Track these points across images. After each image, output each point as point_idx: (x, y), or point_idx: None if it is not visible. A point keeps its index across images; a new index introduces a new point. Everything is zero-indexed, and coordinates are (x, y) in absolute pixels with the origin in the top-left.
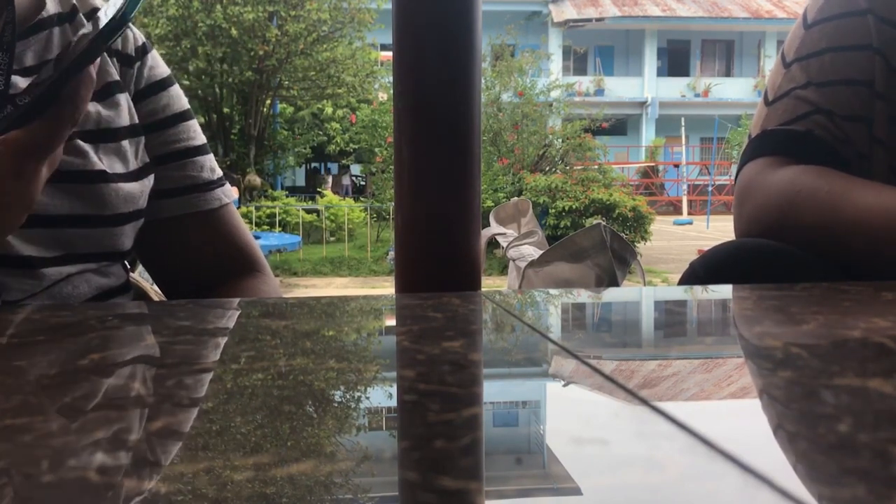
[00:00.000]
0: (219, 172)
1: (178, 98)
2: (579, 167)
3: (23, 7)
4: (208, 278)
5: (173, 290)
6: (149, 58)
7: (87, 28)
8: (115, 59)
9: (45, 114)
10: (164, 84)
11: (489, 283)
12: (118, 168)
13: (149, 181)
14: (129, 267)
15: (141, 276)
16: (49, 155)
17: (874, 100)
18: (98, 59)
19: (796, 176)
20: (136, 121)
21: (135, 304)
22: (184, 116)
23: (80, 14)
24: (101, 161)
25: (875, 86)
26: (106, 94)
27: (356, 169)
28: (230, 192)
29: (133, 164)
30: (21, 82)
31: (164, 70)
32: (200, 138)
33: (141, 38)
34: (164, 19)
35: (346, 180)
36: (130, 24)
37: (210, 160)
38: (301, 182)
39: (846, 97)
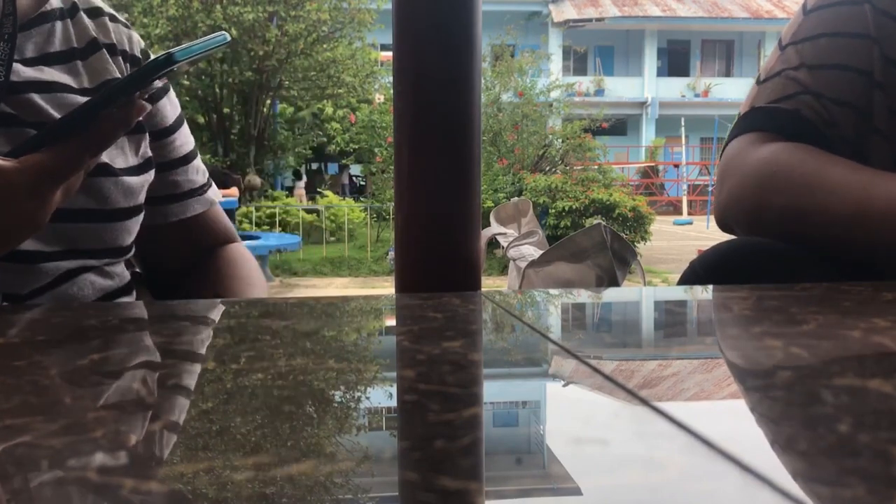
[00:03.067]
0: (206, 173)
1: (176, 103)
2: (579, 167)
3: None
4: (192, 263)
5: (155, 274)
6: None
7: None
8: (119, 58)
9: (68, 141)
10: (165, 88)
11: (489, 283)
12: (119, 162)
13: (148, 176)
14: (132, 265)
15: None
16: (65, 181)
17: (872, 89)
18: (147, 107)
19: (774, 155)
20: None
21: (134, 305)
22: (181, 120)
23: (81, 11)
24: (102, 154)
25: (874, 75)
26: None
27: (356, 169)
28: (217, 192)
29: (133, 160)
30: (23, 71)
31: None
32: (192, 141)
33: (142, 42)
34: (164, 19)
35: (344, 179)
36: (131, 28)
37: (199, 162)
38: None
39: (837, 81)
